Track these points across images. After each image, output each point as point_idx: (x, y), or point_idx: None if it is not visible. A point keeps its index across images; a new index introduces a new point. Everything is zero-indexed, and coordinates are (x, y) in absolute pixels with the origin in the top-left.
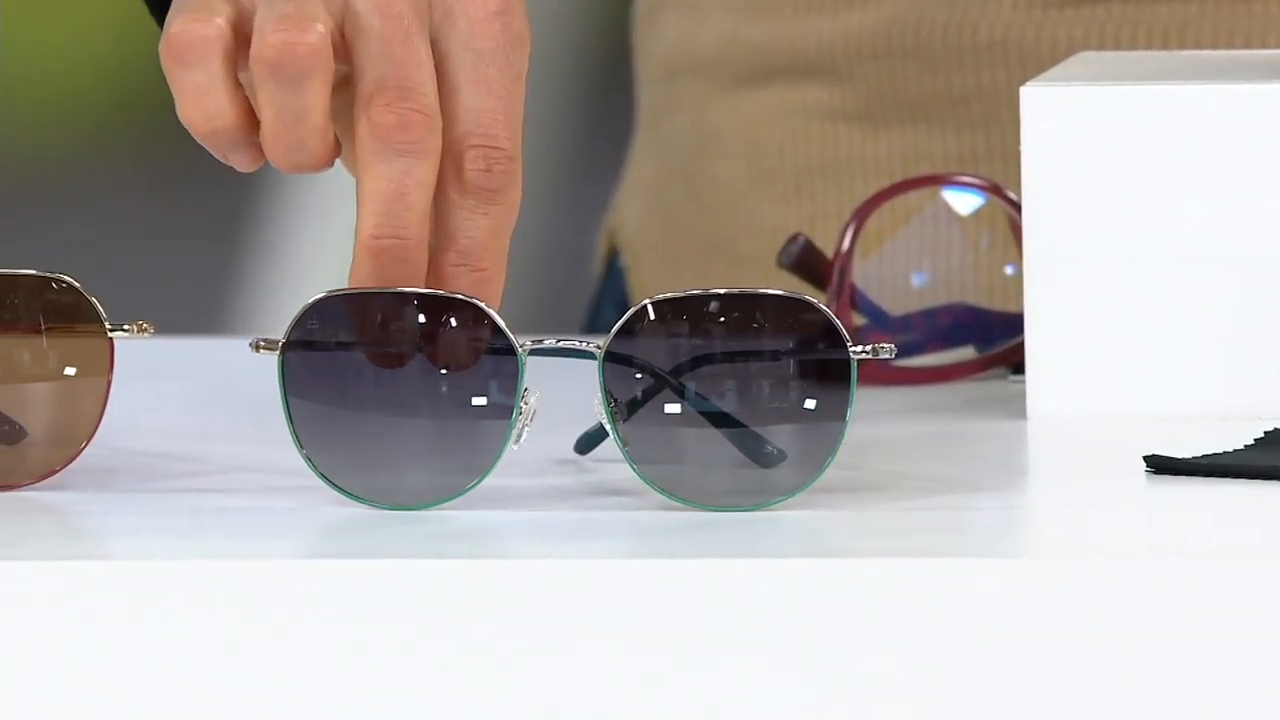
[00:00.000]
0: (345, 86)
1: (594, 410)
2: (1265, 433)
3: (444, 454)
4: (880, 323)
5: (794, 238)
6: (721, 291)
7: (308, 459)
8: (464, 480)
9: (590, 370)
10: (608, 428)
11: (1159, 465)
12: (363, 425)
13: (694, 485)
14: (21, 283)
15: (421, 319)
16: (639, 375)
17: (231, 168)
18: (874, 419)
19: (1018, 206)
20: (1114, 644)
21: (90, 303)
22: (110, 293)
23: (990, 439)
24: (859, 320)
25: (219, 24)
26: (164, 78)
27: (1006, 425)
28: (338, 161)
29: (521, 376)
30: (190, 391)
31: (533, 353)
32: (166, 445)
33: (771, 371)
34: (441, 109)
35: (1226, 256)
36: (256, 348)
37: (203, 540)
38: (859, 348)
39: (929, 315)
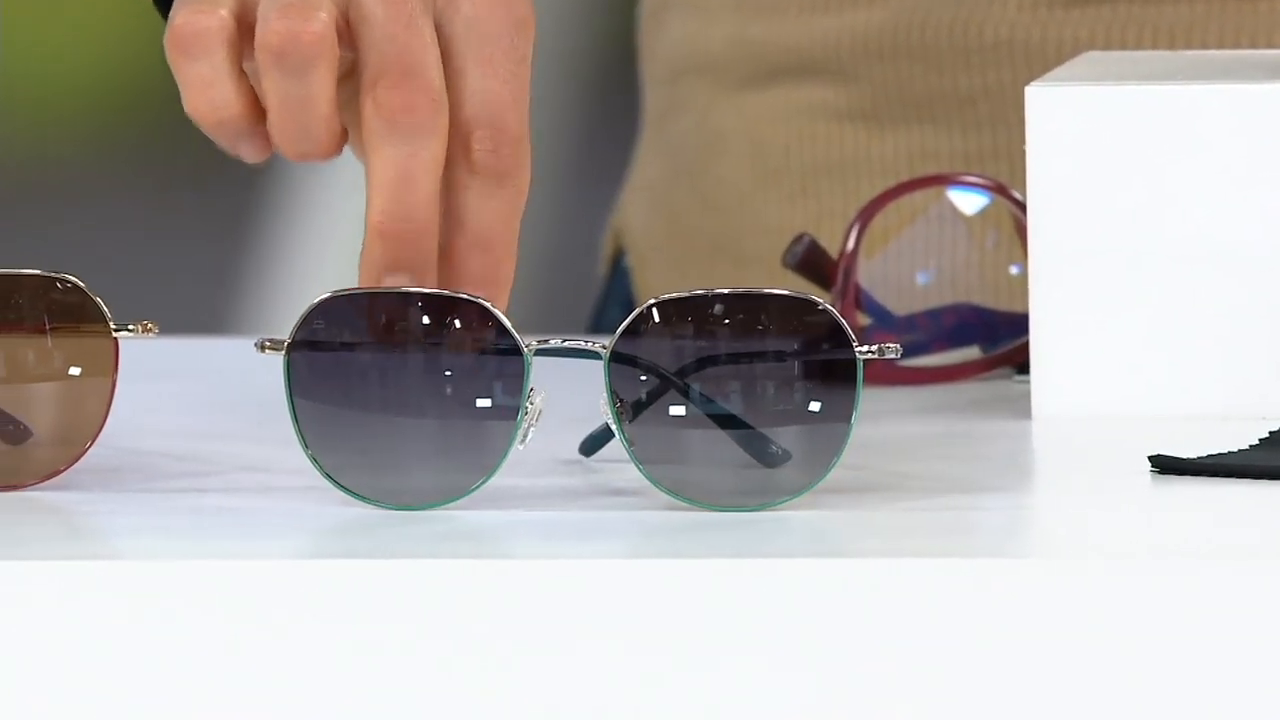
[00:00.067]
0: (352, 75)
1: (599, 410)
2: (1270, 432)
3: (449, 454)
4: (885, 323)
5: (799, 238)
6: (727, 292)
7: (313, 459)
8: (469, 480)
9: (596, 370)
10: (613, 428)
11: (1164, 465)
12: (368, 425)
13: (700, 485)
14: (26, 283)
15: (427, 319)
16: (644, 375)
17: (234, 168)
18: (879, 419)
19: (1023, 206)
20: (1120, 644)
21: (95, 303)
22: (114, 293)
23: (995, 439)
24: (864, 320)
25: (222, 15)
26: (167, 77)
27: (1011, 425)
28: (346, 153)
29: (527, 376)
30: (195, 392)
31: (538, 353)
32: (171, 445)
33: (777, 372)
34: (447, 94)
35: (1232, 256)
36: (262, 348)
37: (207, 540)
38: (865, 348)
39: (934, 315)
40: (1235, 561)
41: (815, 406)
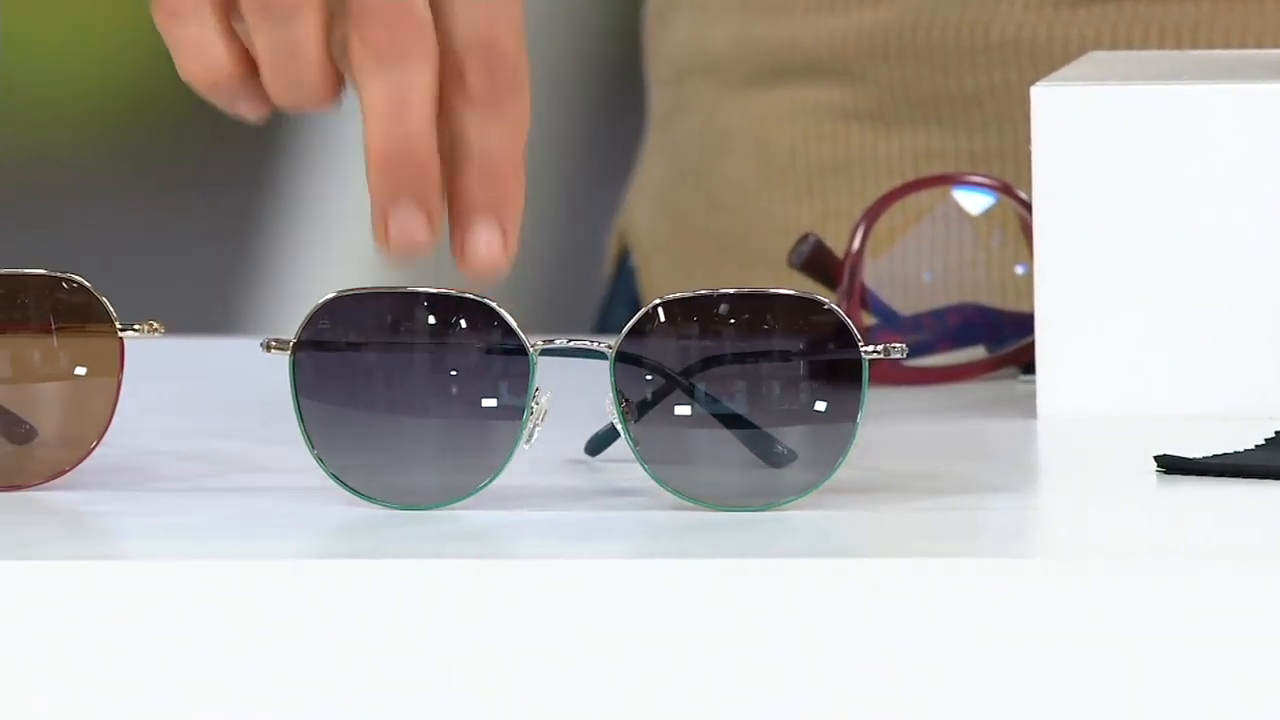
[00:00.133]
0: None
1: (605, 410)
2: (1276, 432)
3: (455, 454)
4: (891, 322)
5: (804, 237)
6: (732, 291)
7: (318, 459)
8: (475, 480)
9: (601, 370)
10: (619, 428)
11: (1170, 465)
12: (374, 425)
13: (705, 485)
14: (32, 283)
15: (432, 319)
16: (650, 375)
17: (239, 168)
18: (884, 419)
19: (1028, 206)
20: (1127, 644)
21: (100, 303)
22: (120, 293)
23: (1001, 439)
24: (869, 320)
25: None
26: (171, 76)
27: (1017, 425)
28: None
29: (533, 376)
30: (201, 392)
31: (544, 353)
32: (177, 445)
33: (783, 371)
34: (437, 25)
35: (1237, 256)
36: (267, 348)
37: (213, 540)
38: (870, 347)
39: (939, 315)
40: (1241, 562)
41: (821, 406)
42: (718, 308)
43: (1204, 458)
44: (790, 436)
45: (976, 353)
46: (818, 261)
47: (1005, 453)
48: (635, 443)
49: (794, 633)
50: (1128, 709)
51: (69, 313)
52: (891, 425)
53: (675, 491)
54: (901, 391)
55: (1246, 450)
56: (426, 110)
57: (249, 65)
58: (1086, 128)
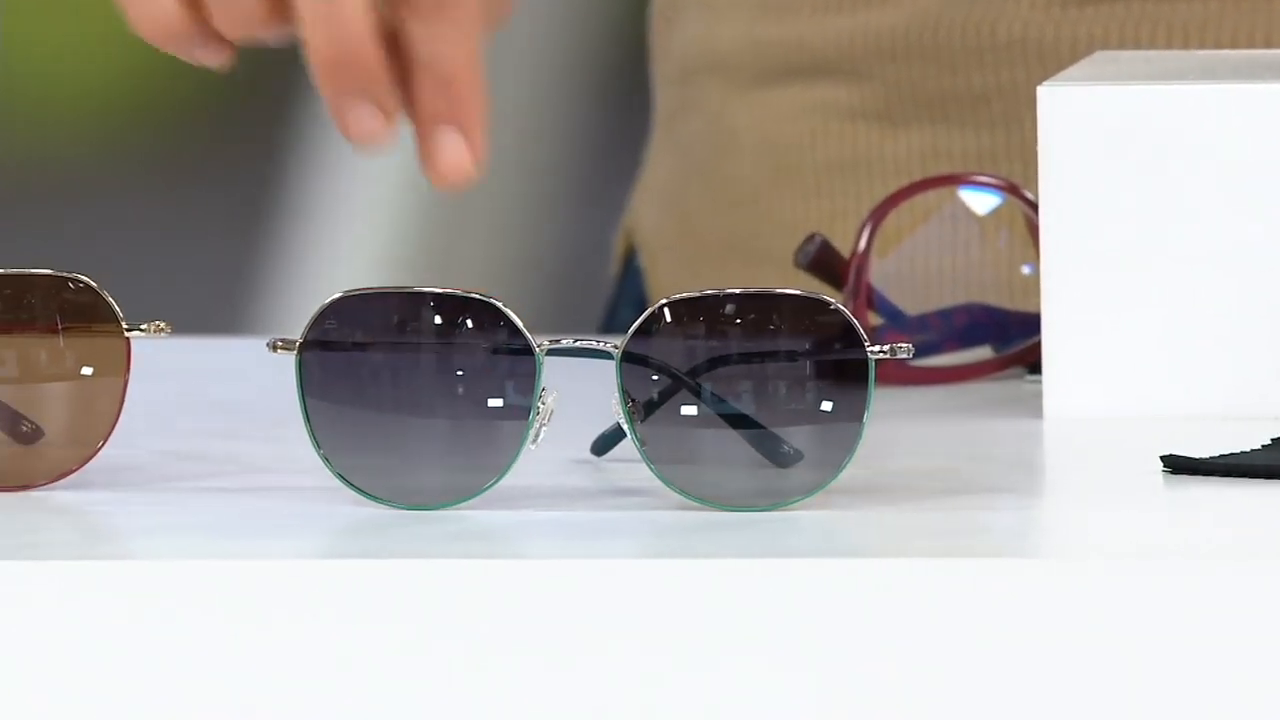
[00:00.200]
0: None
1: (611, 410)
2: None
3: (461, 454)
4: (897, 322)
5: (810, 237)
6: (738, 291)
7: (325, 459)
8: (481, 480)
9: (608, 370)
10: (625, 428)
11: (1177, 465)
12: (380, 425)
13: (711, 485)
14: (38, 283)
15: (439, 319)
16: (656, 375)
17: (245, 167)
18: (891, 419)
19: (1035, 206)
20: (1133, 645)
21: (107, 303)
22: (126, 293)
23: (1007, 439)
24: (875, 320)
25: None
26: (176, 76)
27: (1023, 425)
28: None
29: (539, 376)
30: (207, 392)
31: (550, 353)
32: (183, 445)
33: (789, 371)
34: None
35: (1245, 257)
36: (274, 348)
37: (220, 540)
38: (876, 347)
39: (945, 315)
40: (1247, 562)
41: (827, 406)
42: (724, 308)
43: (1210, 458)
44: (796, 436)
45: (983, 353)
46: (823, 261)
47: (1011, 453)
48: (641, 443)
49: (800, 632)
50: (1134, 709)
51: (75, 313)
52: (897, 425)
53: (681, 491)
54: (907, 391)
55: (1253, 450)
56: (358, 13)
57: (197, 12)
58: (1093, 128)
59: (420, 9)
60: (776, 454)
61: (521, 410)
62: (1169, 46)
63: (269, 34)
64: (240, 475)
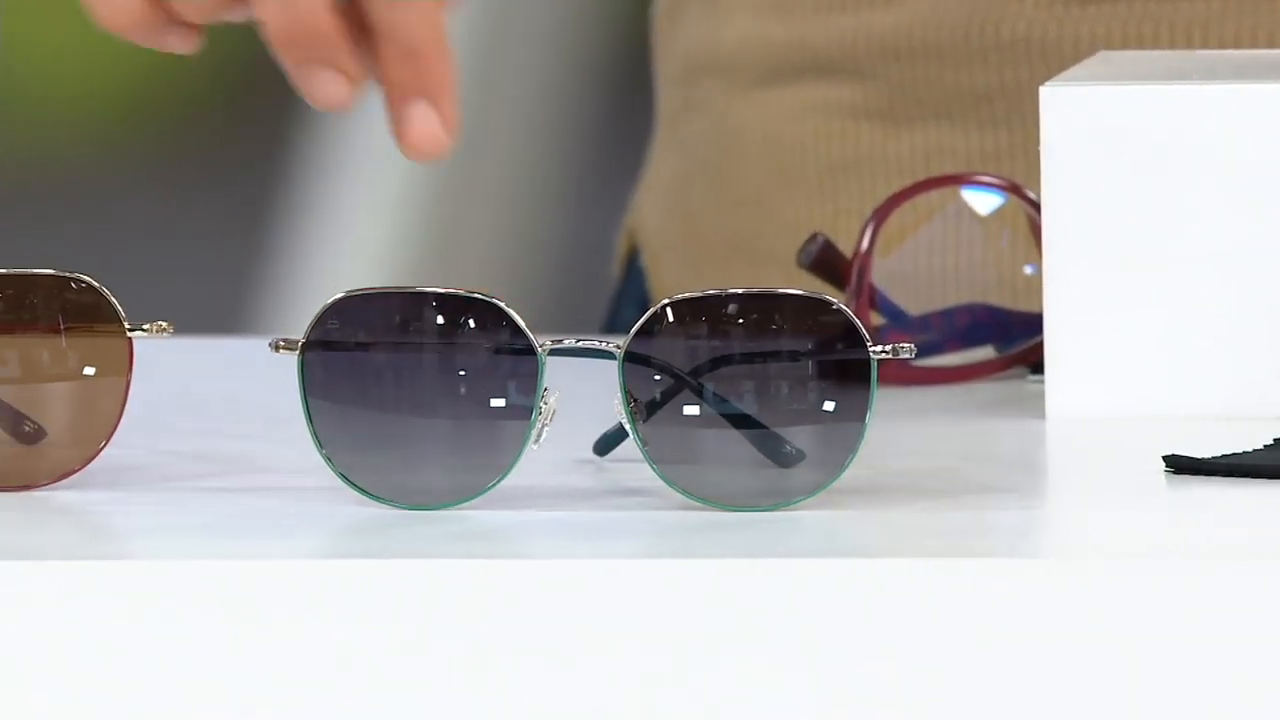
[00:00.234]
0: None
1: (613, 410)
2: None
3: (463, 454)
4: (899, 322)
5: (813, 237)
6: (741, 291)
7: (327, 459)
8: (483, 480)
9: (610, 370)
10: (627, 428)
11: (1179, 465)
12: (382, 425)
13: (714, 485)
14: (40, 282)
15: (441, 319)
16: (659, 375)
17: (247, 168)
18: (893, 419)
19: (1037, 206)
20: (1136, 644)
21: (110, 302)
22: (128, 293)
23: (1009, 439)
24: (878, 320)
25: None
26: (178, 76)
27: (1026, 425)
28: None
29: (541, 376)
30: (209, 392)
31: (552, 353)
32: (185, 445)
33: (791, 371)
34: None
35: (1247, 256)
36: (276, 348)
37: (222, 540)
38: (879, 347)
39: (948, 315)
40: (1250, 563)
41: (829, 406)
42: (726, 308)
43: (1213, 458)
44: (798, 436)
45: (985, 353)
46: (826, 261)
47: (1013, 453)
48: (644, 443)
49: (802, 632)
50: (1136, 709)
51: (77, 313)
52: (900, 425)
53: (684, 491)
54: (910, 391)
55: (1255, 450)
56: None
57: (157, 1)
58: (1095, 128)
59: None
60: (779, 454)
61: (524, 410)
62: (1172, 45)
63: (233, 15)
64: (241, 475)
